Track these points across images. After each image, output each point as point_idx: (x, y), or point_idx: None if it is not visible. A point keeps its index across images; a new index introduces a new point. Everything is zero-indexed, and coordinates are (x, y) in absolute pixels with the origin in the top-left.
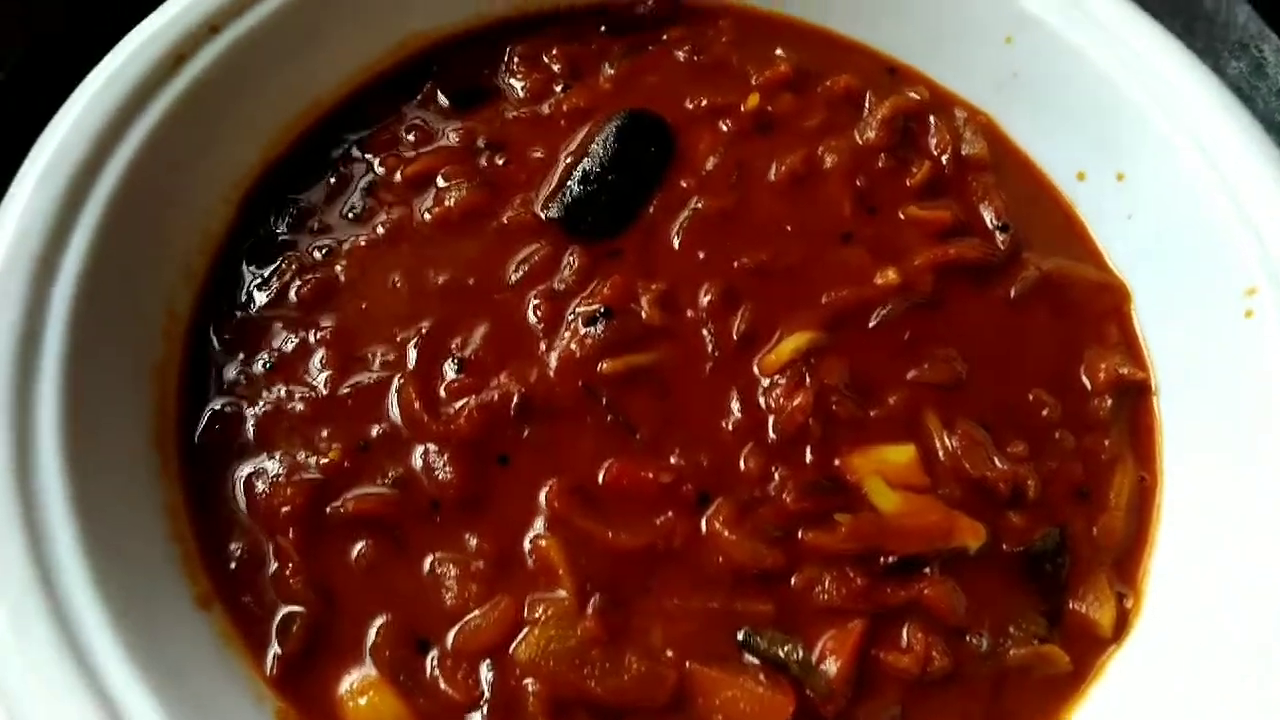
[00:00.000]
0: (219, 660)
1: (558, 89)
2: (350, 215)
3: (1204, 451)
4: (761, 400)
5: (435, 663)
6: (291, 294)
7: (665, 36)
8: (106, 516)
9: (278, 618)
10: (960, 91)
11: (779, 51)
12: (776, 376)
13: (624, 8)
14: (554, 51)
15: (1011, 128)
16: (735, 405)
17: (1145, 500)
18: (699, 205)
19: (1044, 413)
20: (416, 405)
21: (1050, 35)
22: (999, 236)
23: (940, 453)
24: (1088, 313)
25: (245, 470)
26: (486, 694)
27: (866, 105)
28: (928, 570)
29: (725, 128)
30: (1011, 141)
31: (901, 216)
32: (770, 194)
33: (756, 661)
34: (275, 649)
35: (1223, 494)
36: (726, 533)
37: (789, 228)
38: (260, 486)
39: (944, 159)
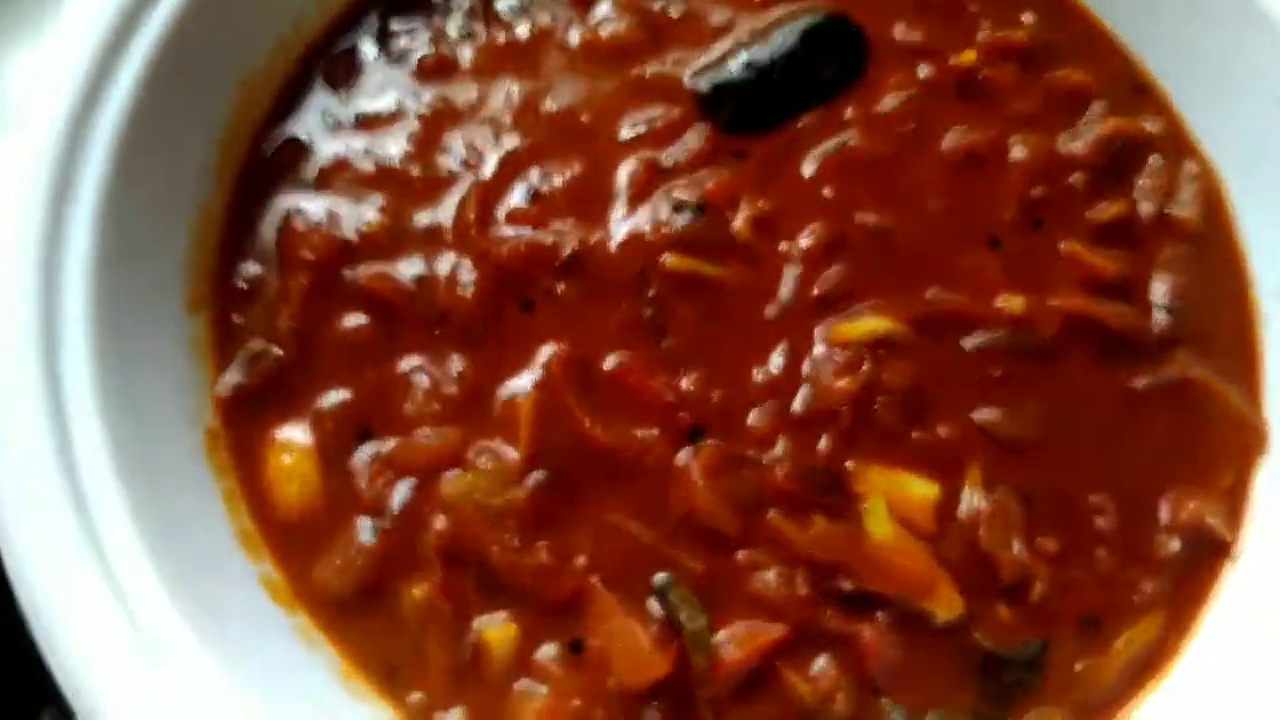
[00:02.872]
0: (179, 365)
1: None
2: (506, 7)
3: (1243, 649)
4: (807, 367)
5: (365, 456)
6: (413, 57)
7: None
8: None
9: (253, 348)
10: (1204, 143)
11: (1026, 17)
12: (836, 350)
13: None
14: None
15: (1240, 209)
16: (778, 359)
17: (1151, 664)
18: (853, 141)
19: (1098, 521)
20: (472, 215)
21: None
22: (1158, 316)
23: (962, 508)
24: (1211, 442)
25: (292, 202)
26: (392, 509)
27: (1090, 113)
28: (879, 615)
29: (924, 73)
30: (1232, 223)
31: (1062, 248)
32: (936, 162)
33: (659, 612)
34: (237, 376)
35: (1237, 700)
36: (699, 477)
37: (937, 205)
38: (298, 224)
39: (1144, 207)
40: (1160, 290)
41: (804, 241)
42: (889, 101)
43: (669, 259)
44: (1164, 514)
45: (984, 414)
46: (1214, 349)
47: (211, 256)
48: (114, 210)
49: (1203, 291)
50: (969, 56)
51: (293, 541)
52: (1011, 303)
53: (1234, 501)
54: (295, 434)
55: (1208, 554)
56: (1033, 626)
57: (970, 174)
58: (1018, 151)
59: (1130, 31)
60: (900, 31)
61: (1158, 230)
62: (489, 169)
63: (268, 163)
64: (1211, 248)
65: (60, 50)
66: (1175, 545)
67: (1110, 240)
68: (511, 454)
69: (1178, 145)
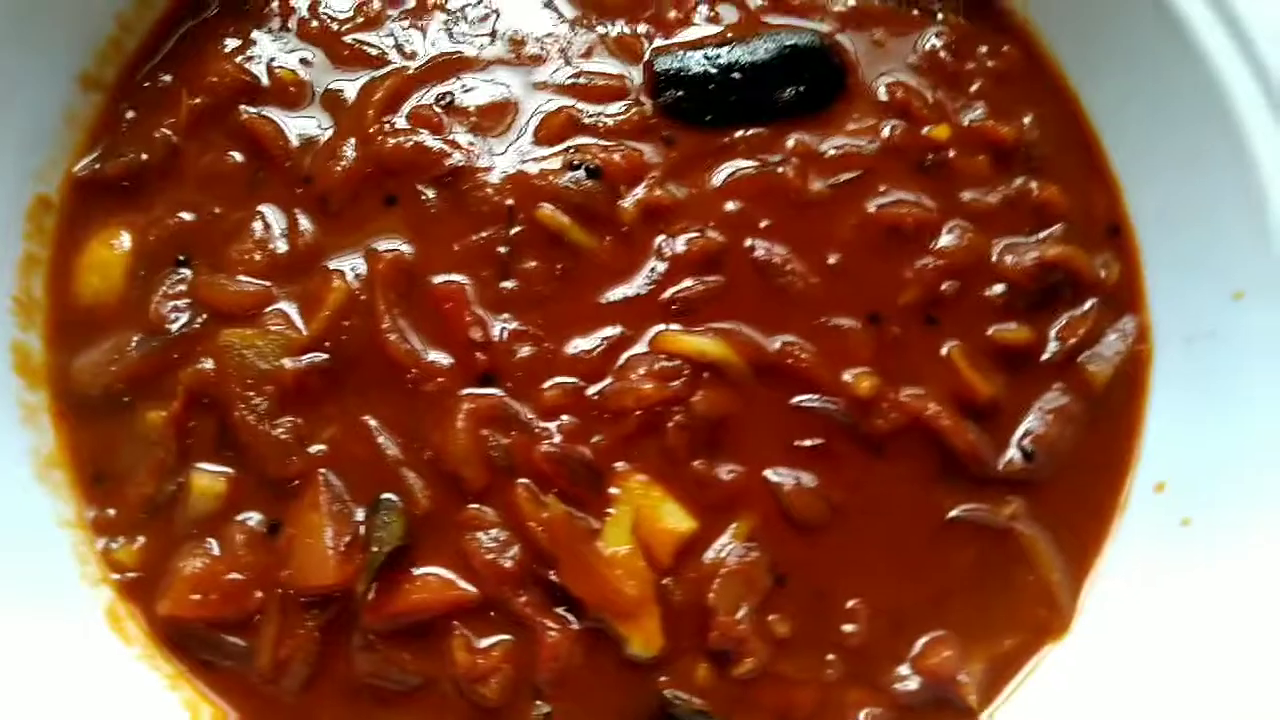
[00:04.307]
0: (44, 123)
1: None
2: None
3: None
4: (622, 359)
5: (170, 281)
6: None
7: (940, 13)
8: None
9: (124, 145)
10: (1154, 310)
11: (1026, 119)
12: (660, 355)
13: None
14: None
15: (1158, 389)
16: (599, 340)
17: None
18: (781, 170)
19: (845, 627)
20: (378, 96)
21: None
22: (1011, 454)
23: (709, 555)
24: (1008, 604)
25: (229, 25)
26: (169, 332)
27: (1046, 233)
28: (574, 621)
29: (890, 130)
30: (1141, 400)
31: (944, 351)
32: (857, 220)
33: (361, 528)
34: (98, 162)
35: None
36: (465, 419)
37: (836, 262)
38: (221, 46)
39: (1052, 346)
40: (1028, 434)
41: (682, 243)
42: (839, 143)
43: (544, 209)
44: (917, 648)
45: (780, 475)
46: (1057, 514)
47: (130, 46)
48: None
49: (1072, 454)
50: (942, 132)
51: (69, 326)
52: (861, 382)
53: (1000, 672)
54: (123, 236)
55: (945, 712)
56: (724, 701)
57: (886, 244)
58: (948, 239)
59: (1128, 168)
60: (885, 82)
61: (1055, 373)
62: (418, 64)
63: None
64: (1106, 416)
65: None
66: (913, 685)
67: (1002, 365)
68: (302, 329)
69: (1124, 300)
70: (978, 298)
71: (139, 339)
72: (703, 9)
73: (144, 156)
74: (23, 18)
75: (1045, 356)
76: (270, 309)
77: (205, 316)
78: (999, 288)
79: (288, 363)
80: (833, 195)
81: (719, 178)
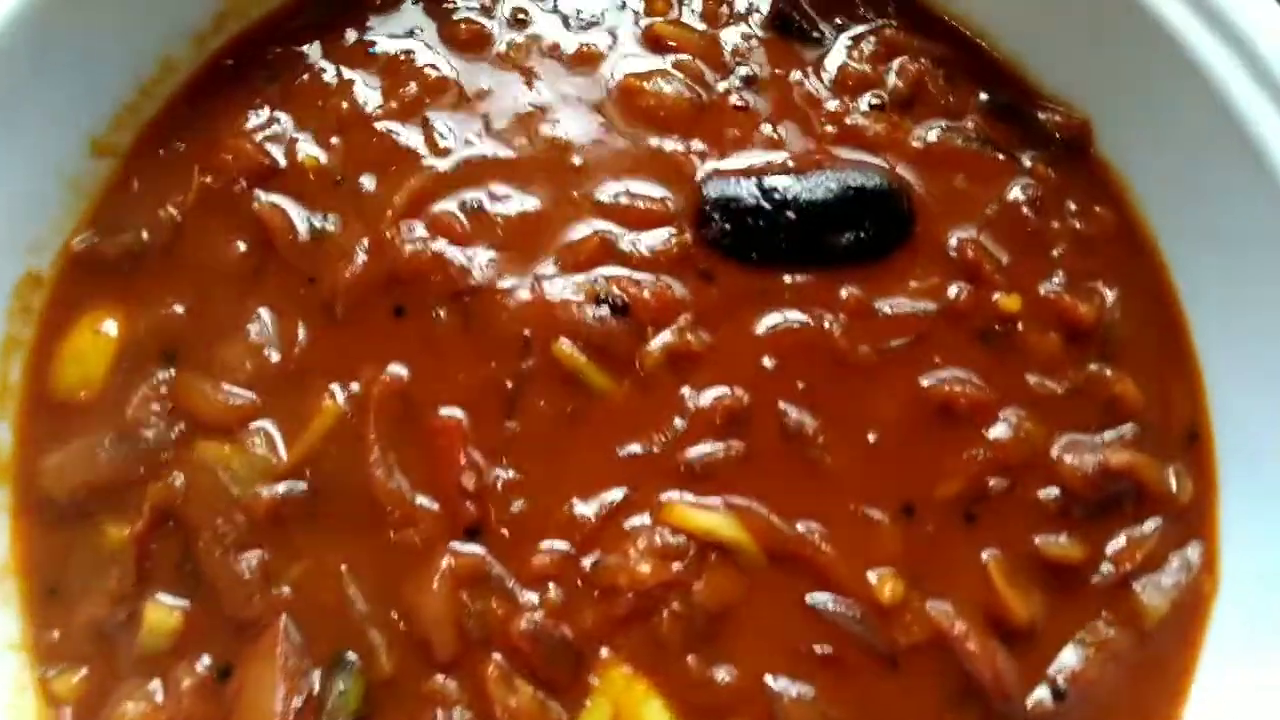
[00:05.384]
0: (48, 190)
1: (863, 100)
2: (576, 10)
3: None
4: (627, 525)
5: (152, 381)
6: (454, 16)
7: (1028, 161)
8: None
9: (127, 223)
10: (1226, 539)
11: (1109, 292)
12: (665, 529)
13: (1023, 96)
14: (920, 63)
15: (1216, 630)
16: (602, 504)
17: None
18: (830, 325)
19: None
20: (400, 201)
21: None
22: (1039, 694)
23: None
24: None
25: (253, 98)
26: (144, 440)
27: (1114, 433)
28: None
29: (956, 293)
30: (1200, 641)
31: (984, 558)
32: (905, 394)
33: (316, 687)
34: (99, 238)
35: None
36: (442, 583)
37: (876, 439)
38: (242, 123)
39: (1105, 568)
40: (1064, 665)
41: (708, 399)
42: (896, 301)
43: (562, 345)
44: None
45: (782, 684)
46: None
47: (148, 113)
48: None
49: (1110, 699)
50: (1013, 303)
51: (43, 418)
52: (885, 586)
53: None
54: (110, 324)
55: None
56: None
57: (933, 425)
58: (1002, 429)
59: (1216, 364)
60: (956, 235)
61: (1103, 599)
62: (450, 163)
63: (256, 54)
64: (1154, 659)
65: None
66: None
67: (1042, 581)
68: (284, 454)
69: (1193, 524)
70: (1027, 499)
71: (111, 442)
72: (765, 128)
73: (145, 235)
74: (41, 72)
75: (1095, 579)
76: (253, 425)
77: (184, 425)
78: (1053, 491)
79: (263, 490)
80: (880, 361)
81: (757, 327)
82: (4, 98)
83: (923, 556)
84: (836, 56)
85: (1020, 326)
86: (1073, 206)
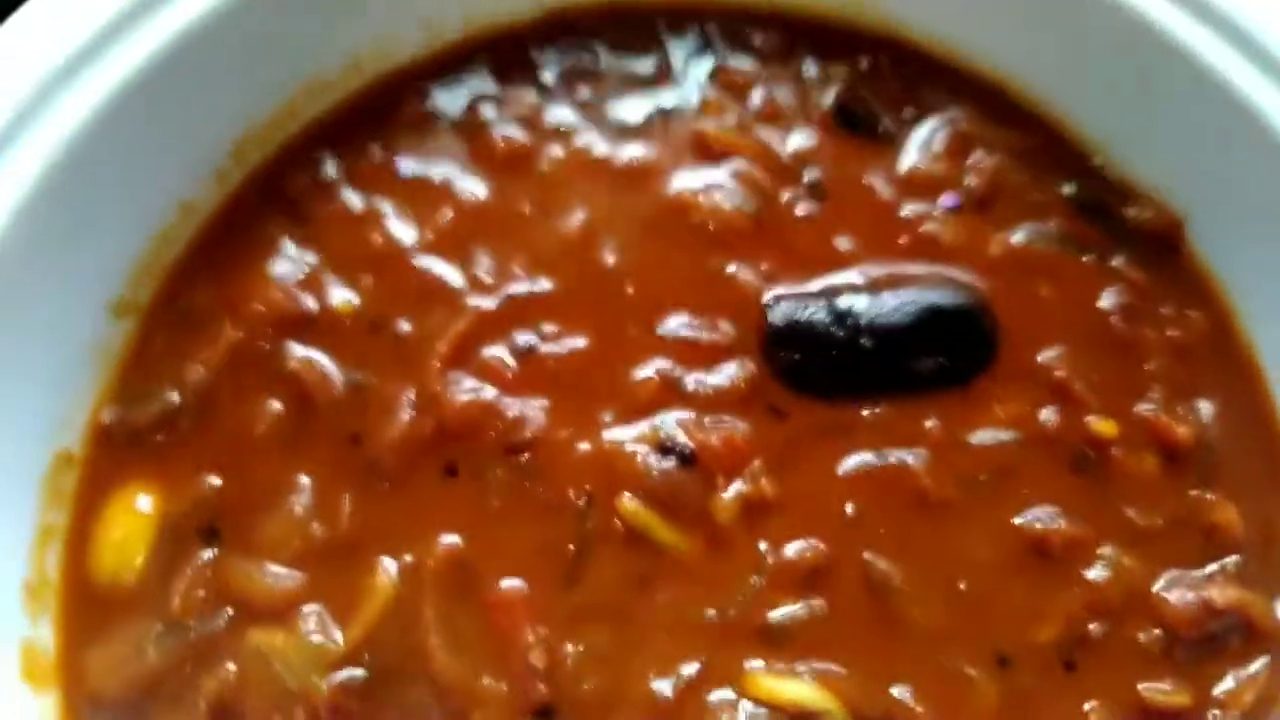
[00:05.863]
0: (69, 365)
1: (939, 202)
2: (626, 112)
3: None
4: (709, 700)
5: (196, 562)
6: (491, 131)
7: (1117, 263)
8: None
9: (156, 386)
10: None
11: (1205, 406)
12: (747, 702)
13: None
14: (997, 156)
15: None
16: (680, 678)
17: None
18: (914, 462)
19: None
20: (444, 348)
21: None
22: None
23: None
24: None
25: (278, 240)
26: (192, 630)
27: (1217, 566)
28: None
29: (1046, 418)
30: None
31: (1085, 709)
32: (998, 535)
33: None
34: (128, 408)
35: None
36: None
37: (967, 588)
38: (269, 268)
39: (1214, 713)
40: None
41: (787, 553)
42: (984, 434)
43: (626, 502)
44: None
45: None
46: None
47: (167, 260)
48: (88, 151)
49: None
50: (1109, 427)
51: (84, 610)
52: None
53: None
54: (146, 500)
55: None
56: None
57: (1027, 567)
58: (1099, 568)
59: None
60: (1044, 355)
61: None
62: (494, 300)
63: (276, 187)
64: None
65: None
66: None
67: None
68: (338, 638)
69: None
70: (1128, 641)
71: (159, 633)
72: (833, 241)
73: (175, 397)
74: (50, 247)
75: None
76: (304, 609)
77: (232, 610)
78: (1154, 632)
79: (321, 681)
80: (967, 499)
81: (836, 468)
82: (14, 275)
83: (1021, 712)
84: (907, 154)
85: (1115, 451)
86: (1166, 310)
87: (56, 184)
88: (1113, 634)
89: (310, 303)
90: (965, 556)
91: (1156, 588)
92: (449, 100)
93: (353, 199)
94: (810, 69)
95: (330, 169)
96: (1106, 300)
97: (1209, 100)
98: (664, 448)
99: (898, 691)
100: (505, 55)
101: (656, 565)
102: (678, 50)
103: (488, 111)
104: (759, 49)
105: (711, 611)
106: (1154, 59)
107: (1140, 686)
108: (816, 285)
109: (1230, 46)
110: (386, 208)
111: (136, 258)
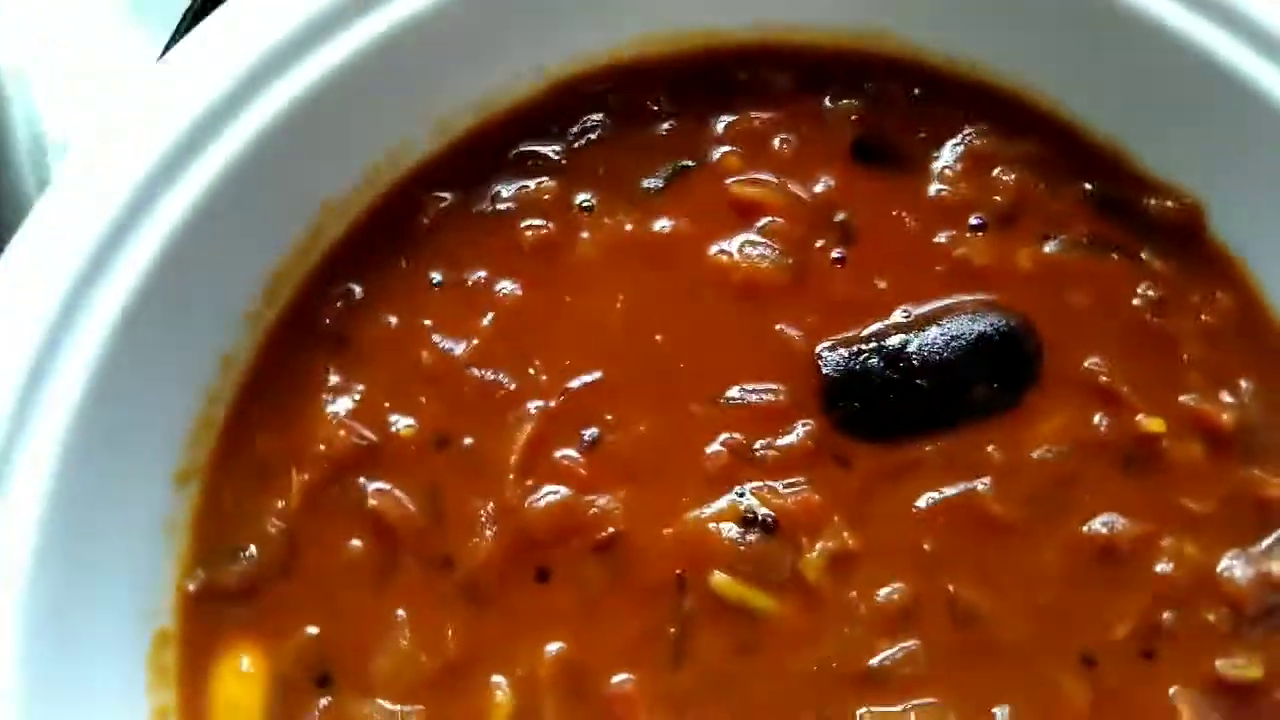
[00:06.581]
0: (148, 541)
1: (967, 225)
2: (650, 182)
3: None
4: None
5: (314, 712)
6: (520, 223)
7: (1146, 256)
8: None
9: (236, 542)
10: None
11: (1244, 385)
12: None
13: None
14: (1016, 169)
15: None
16: None
17: None
18: (982, 489)
19: None
20: (515, 457)
21: None
22: None
23: None
24: None
25: (327, 375)
26: None
27: (1272, 538)
28: None
29: (1097, 422)
30: None
31: (1171, 694)
32: (1067, 545)
33: None
34: (211, 570)
35: None
36: None
37: (1046, 599)
38: (324, 404)
39: None
40: None
41: (880, 597)
42: (1042, 450)
43: (718, 578)
44: None
45: None
46: None
47: (219, 417)
48: (127, 338)
49: None
50: (1158, 424)
51: None
52: None
53: None
54: (248, 661)
55: None
56: None
57: (1098, 570)
58: (1165, 560)
59: None
60: (1086, 362)
61: None
62: (554, 398)
63: (312, 320)
64: None
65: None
66: None
67: (1228, 707)
68: None
69: None
70: (1199, 624)
71: None
72: (871, 281)
73: (254, 551)
74: (110, 440)
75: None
76: None
77: None
78: (1223, 612)
79: None
80: (1035, 515)
81: (908, 507)
82: (81, 470)
83: (1112, 705)
84: (929, 181)
85: (1163, 445)
86: (1194, 299)
87: (105, 382)
88: (1185, 619)
89: (370, 433)
90: (1040, 571)
91: (1220, 569)
92: (467, 198)
93: (389, 318)
94: (823, 105)
95: (358, 290)
96: (1138, 298)
97: (1214, 86)
98: (746, 520)
99: (999, 712)
100: (516, 139)
101: (755, 632)
102: (688, 104)
103: (508, 203)
104: (773, 92)
105: (814, 667)
106: (1155, 52)
107: (1216, 664)
108: (863, 330)
109: (1225, 31)
110: (427, 320)
111: (185, 425)
